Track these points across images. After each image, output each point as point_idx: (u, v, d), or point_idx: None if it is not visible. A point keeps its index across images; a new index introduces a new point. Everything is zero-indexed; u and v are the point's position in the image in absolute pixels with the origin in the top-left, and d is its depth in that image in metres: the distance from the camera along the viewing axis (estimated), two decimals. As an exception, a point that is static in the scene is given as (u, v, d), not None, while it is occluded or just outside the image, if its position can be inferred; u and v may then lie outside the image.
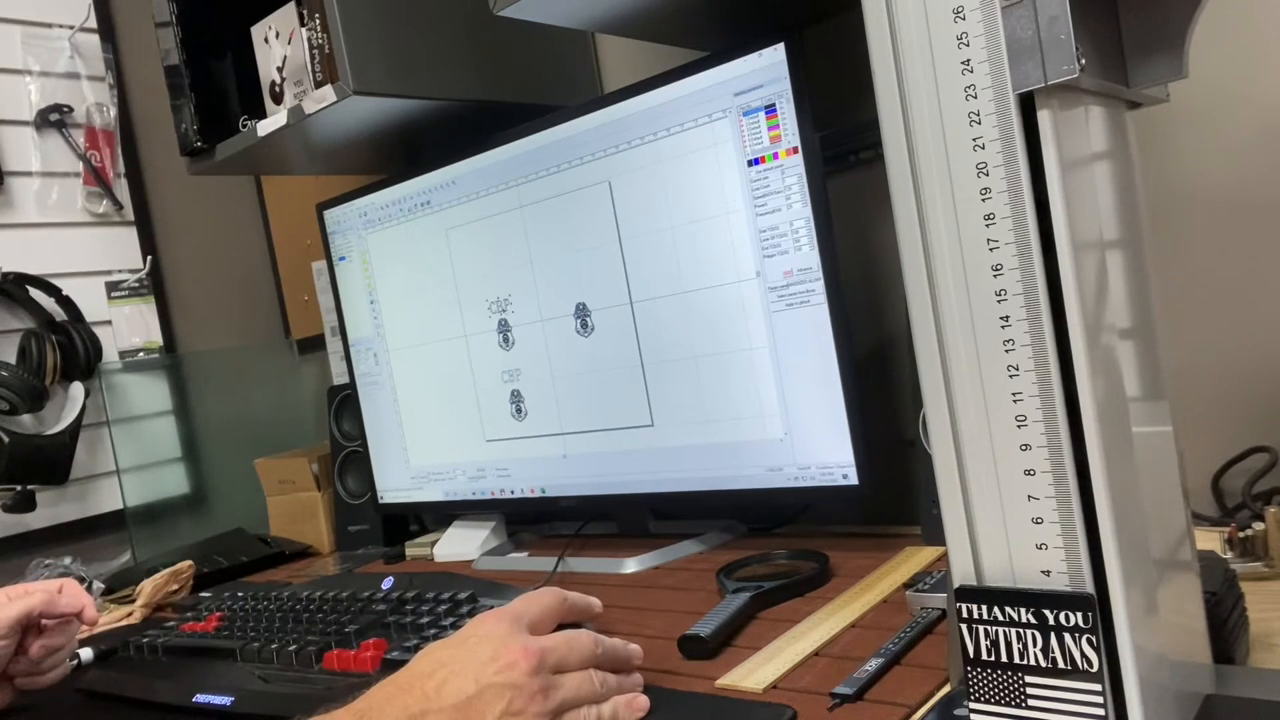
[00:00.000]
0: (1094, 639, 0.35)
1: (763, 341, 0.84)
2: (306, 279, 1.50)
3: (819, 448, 0.83)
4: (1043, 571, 0.37)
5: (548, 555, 1.00)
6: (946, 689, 0.51)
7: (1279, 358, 0.73)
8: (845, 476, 0.82)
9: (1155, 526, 0.40)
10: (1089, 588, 0.35)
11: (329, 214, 1.20)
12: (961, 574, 0.39)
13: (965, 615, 0.38)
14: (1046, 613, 0.36)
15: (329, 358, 1.48)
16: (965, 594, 0.38)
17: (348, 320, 1.21)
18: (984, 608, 0.38)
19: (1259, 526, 0.62)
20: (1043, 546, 0.37)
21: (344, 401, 1.27)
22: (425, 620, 0.71)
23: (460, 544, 1.11)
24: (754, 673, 0.60)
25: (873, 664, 0.57)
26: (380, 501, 1.21)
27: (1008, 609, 0.37)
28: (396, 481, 1.19)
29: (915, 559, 0.79)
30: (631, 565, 0.92)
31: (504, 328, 1.04)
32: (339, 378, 1.43)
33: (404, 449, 1.18)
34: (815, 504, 0.97)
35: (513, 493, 1.08)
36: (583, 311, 0.97)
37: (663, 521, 1.04)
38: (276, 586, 0.92)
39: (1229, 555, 0.63)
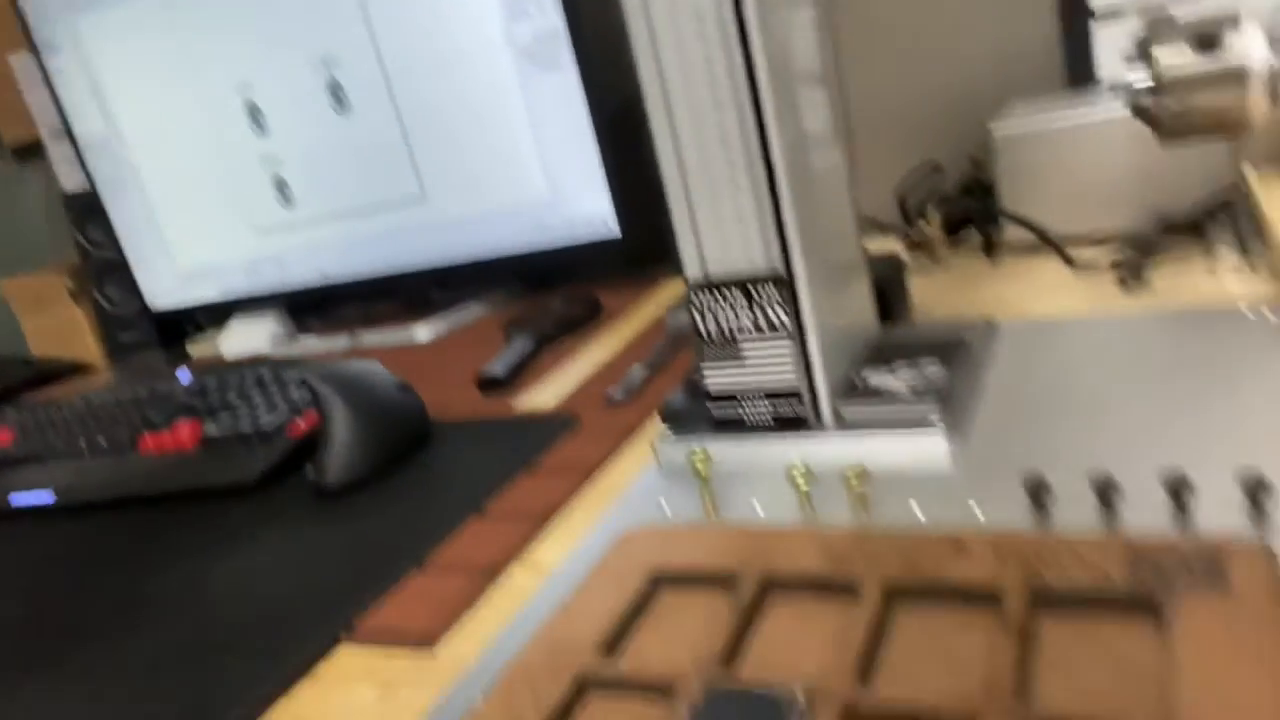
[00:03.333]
0: (785, 307, 0.47)
1: (519, 104, 0.89)
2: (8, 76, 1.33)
3: (581, 204, 0.91)
4: (749, 261, 0.48)
5: (340, 335, 1.05)
6: (694, 377, 0.64)
7: (946, 88, 0.89)
8: (608, 228, 0.92)
9: (830, 227, 0.52)
10: (781, 270, 0.47)
11: None
12: (692, 273, 0.49)
13: (695, 303, 0.49)
14: (751, 290, 0.48)
15: (55, 164, 1.36)
16: (695, 286, 0.49)
17: (72, 120, 1.12)
18: (709, 293, 0.49)
19: (926, 228, 0.78)
20: (748, 245, 0.48)
21: (86, 211, 1.20)
22: (236, 399, 0.75)
23: (247, 338, 1.13)
24: (542, 394, 0.71)
25: (639, 371, 0.70)
26: (151, 309, 1.19)
27: (725, 291, 0.48)
28: (164, 285, 1.17)
29: (672, 290, 0.92)
30: (423, 333, 0.99)
31: (254, 111, 1.01)
32: (74, 185, 1.33)
33: (166, 251, 1.14)
34: (585, 257, 1.06)
35: (293, 282, 1.10)
36: (335, 88, 0.96)
37: (445, 292, 1.11)
38: (61, 401, 0.91)
39: (905, 251, 0.80)
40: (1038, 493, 0.37)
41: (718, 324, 0.49)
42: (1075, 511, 0.36)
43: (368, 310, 1.15)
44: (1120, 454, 0.40)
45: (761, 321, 0.48)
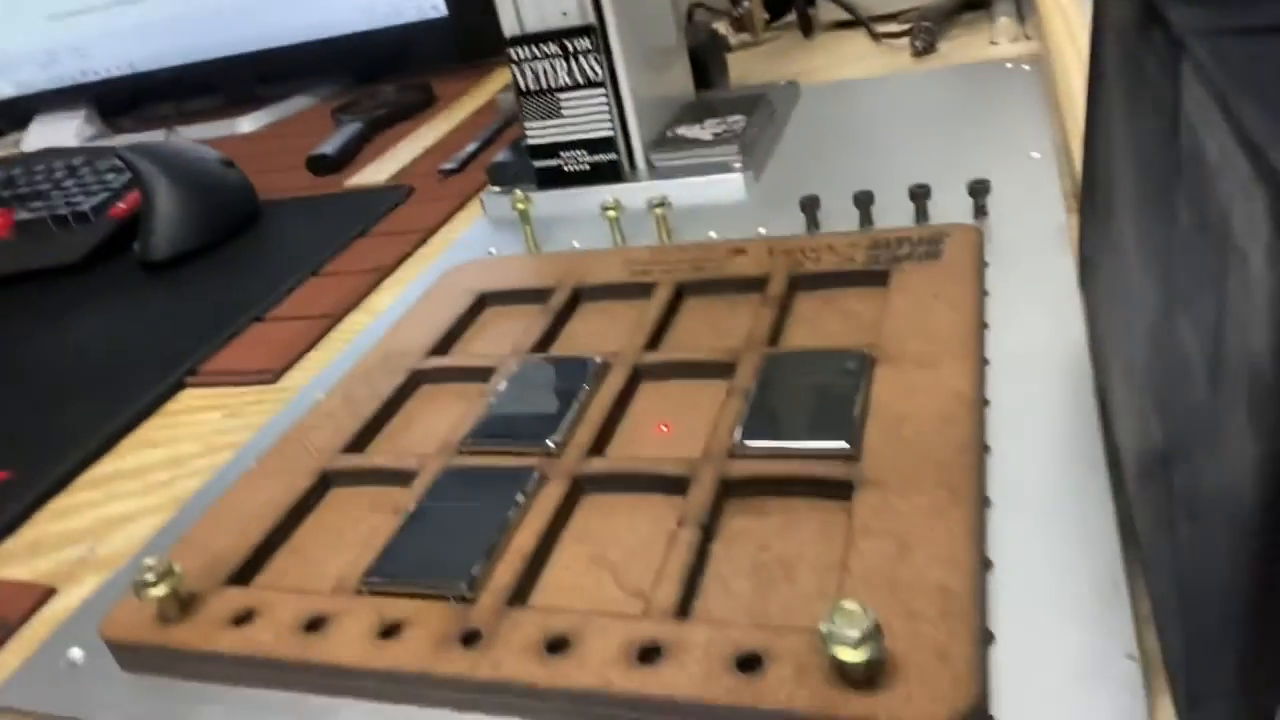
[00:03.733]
0: (598, 57, 0.50)
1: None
2: None
3: (406, -18, 0.88)
4: (562, 13, 0.50)
5: (156, 132, 0.99)
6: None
7: None
8: (434, 8, 0.89)
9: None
10: (592, 19, 0.49)
11: None
12: (510, 29, 0.51)
13: (515, 58, 0.51)
14: (567, 42, 0.50)
15: None
16: (513, 41, 0.51)
17: None
18: (526, 49, 0.51)
19: (747, 5, 0.81)
20: (563, -4, 0.49)
21: None
22: (46, 185, 0.72)
23: (53, 138, 1.05)
24: (375, 173, 0.72)
25: (471, 146, 0.71)
26: (-67, 108, 1.08)
27: (541, 45, 0.50)
28: (-54, 81, 1.06)
29: (505, 77, 0.91)
30: (246, 124, 0.95)
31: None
32: None
33: (-57, 41, 1.03)
34: (415, 44, 1.04)
35: (98, 74, 1.02)
36: None
37: (268, 85, 1.06)
38: None
39: (730, 33, 0.82)
40: (810, 208, 0.42)
41: (537, 79, 0.51)
42: (841, 223, 0.42)
43: (185, 106, 1.09)
44: (883, 178, 0.46)
45: (578, 75, 0.51)
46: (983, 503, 0.25)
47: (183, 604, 0.27)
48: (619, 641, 0.23)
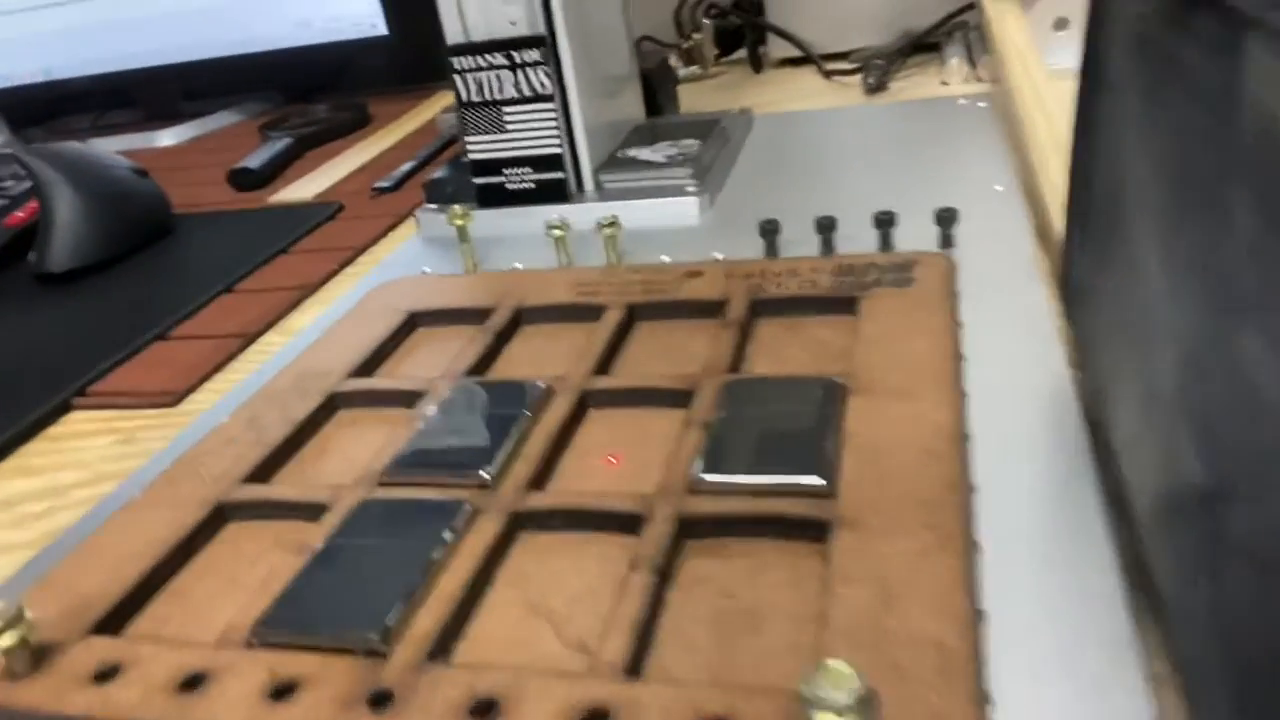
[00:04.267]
0: (548, 70, 0.47)
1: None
2: None
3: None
4: (510, 23, 0.47)
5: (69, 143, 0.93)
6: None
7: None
8: (374, 26, 0.86)
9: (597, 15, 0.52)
10: (543, 30, 0.47)
11: None
12: (453, 36, 0.48)
13: (457, 68, 0.48)
14: (514, 54, 0.47)
15: None
16: (455, 50, 0.48)
17: None
18: (470, 58, 0.48)
19: (698, 37, 0.80)
20: (509, 5, 0.47)
21: None
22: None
23: (-48, 144, 0.98)
24: (302, 189, 0.67)
25: (408, 165, 0.67)
26: None
27: (487, 56, 0.47)
28: None
29: (446, 100, 0.88)
30: (167, 138, 0.90)
31: None
32: None
33: None
34: (351, 63, 1.00)
35: (8, 81, 0.96)
36: None
37: (194, 102, 1.01)
38: None
39: (679, 65, 0.81)
40: (770, 233, 0.40)
41: (480, 90, 0.48)
42: (801, 250, 0.40)
43: (103, 119, 1.03)
44: (843, 205, 0.43)
45: (525, 88, 0.48)
46: (972, 547, 0.22)
47: (34, 656, 0.23)
48: (559, 705, 0.19)
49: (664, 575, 0.23)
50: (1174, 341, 0.17)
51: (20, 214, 0.62)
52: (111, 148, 0.91)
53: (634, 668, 0.21)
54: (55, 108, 1.06)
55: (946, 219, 0.38)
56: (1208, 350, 0.15)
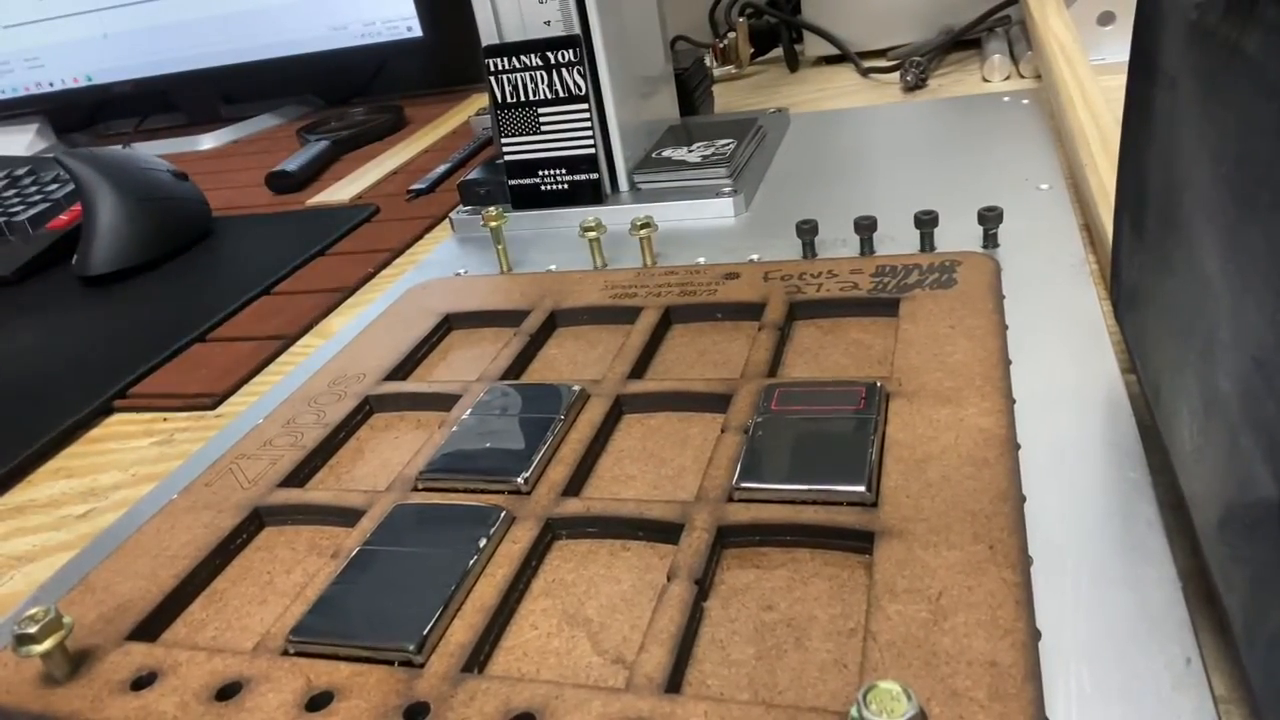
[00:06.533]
0: (582, 70, 0.47)
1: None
2: None
3: (381, 1, 0.85)
4: (545, 22, 0.47)
5: (112, 147, 0.95)
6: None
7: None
8: (410, 29, 0.86)
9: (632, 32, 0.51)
10: (577, 29, 0.46)
11: None
12: (488, 37, 0.48)
13: (493, 69, 0.48)
14: (549, 54, 0.47)
15: None
16: (491, 51, 0.48)
17: None
18: (505, 59, 0.47)
19: (732, 36, 0.79)
20: (545, 6, 0.46)
21: None
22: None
23: (2, 150, 1.00)
24: (340, 192, 0.68)
25: (443, 167, 0.67)
26: (-126, 115, 1.03)
27: (522, 57, 0.47)
28: (-110, 88, 1.01)
29: (481, 102, 0.88)
30: (208, 141, 0.91)
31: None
32: None
33: (-112, 46, 0.98)
34: (387, 65, 1.01)
35: (51, 85, 0.98)
36: None
37: (234, 105, 1.02)
38: None
39: (714, 65, 0.80)
40: (808, 233, 0.39)
41: (515, 92, 0.48)
42: (839, 250, 0.39)
43: (145, 124, 1.04)
44: (882, 204, 0.43)
45: (560, 89, 0.47)
46: (1025, 560, 0.22)
47: (72, 662, 0.23)
48: (597, 720, 0.19)
49: (702, 586, 0.22)
50: (1239, 347, 0.17)
51: (63, 217, 0.63)
52: (153, 151, 0.92)
53: (673, 683, 0.20)
54: (97, 112, 1.08)
55: (990, 218, 0.37)
56: (1278, 357, 0.15)
